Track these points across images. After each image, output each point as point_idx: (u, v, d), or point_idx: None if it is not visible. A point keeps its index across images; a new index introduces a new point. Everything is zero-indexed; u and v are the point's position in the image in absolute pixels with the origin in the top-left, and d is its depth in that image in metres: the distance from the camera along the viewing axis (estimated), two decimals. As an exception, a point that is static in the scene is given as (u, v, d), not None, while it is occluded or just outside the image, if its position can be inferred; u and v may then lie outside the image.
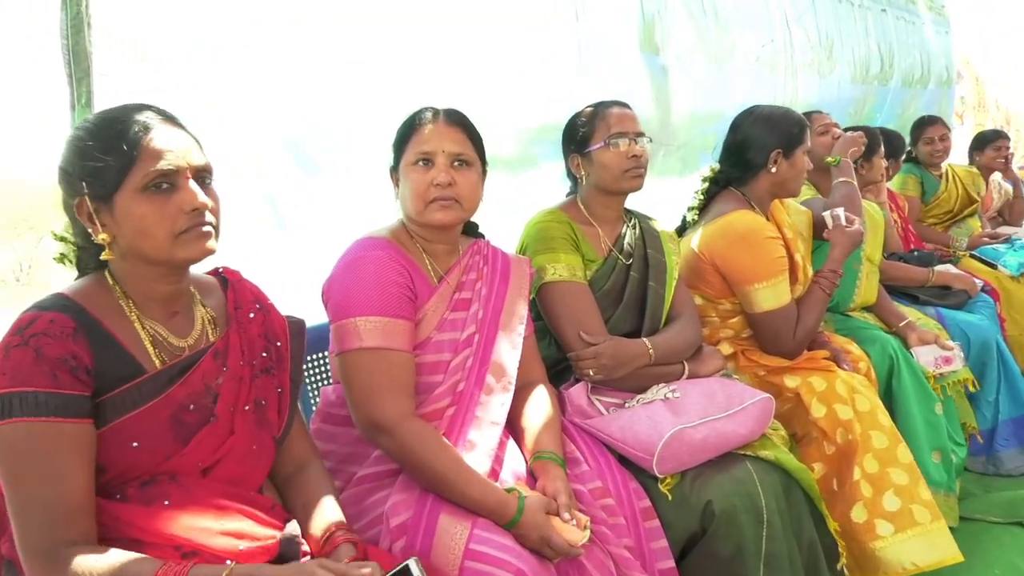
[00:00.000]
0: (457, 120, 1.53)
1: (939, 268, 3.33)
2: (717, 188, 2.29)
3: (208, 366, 1.18)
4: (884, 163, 3.22)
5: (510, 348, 1.56)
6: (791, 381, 2.07)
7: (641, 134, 1.87)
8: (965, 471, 2.81)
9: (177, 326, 1.20)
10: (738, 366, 2.15)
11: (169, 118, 1.13)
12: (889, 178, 3.70)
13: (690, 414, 1.64)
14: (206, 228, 1.11)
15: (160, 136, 1.09)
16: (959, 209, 4.03)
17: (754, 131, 2.23)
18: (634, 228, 1.99)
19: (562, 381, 1.85)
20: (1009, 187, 4.70)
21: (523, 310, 1.62)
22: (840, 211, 2.32)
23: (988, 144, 4.38)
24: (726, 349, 2.17)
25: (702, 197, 2.31)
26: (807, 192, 2.70)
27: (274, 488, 1.31)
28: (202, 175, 1.13)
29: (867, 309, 2.76)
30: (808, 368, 2.10)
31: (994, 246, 3.84)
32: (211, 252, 1.13)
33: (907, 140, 4.03)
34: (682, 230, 2.33)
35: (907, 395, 2.40)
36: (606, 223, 1.94)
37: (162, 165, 1.07)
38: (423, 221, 1.51)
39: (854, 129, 3.05)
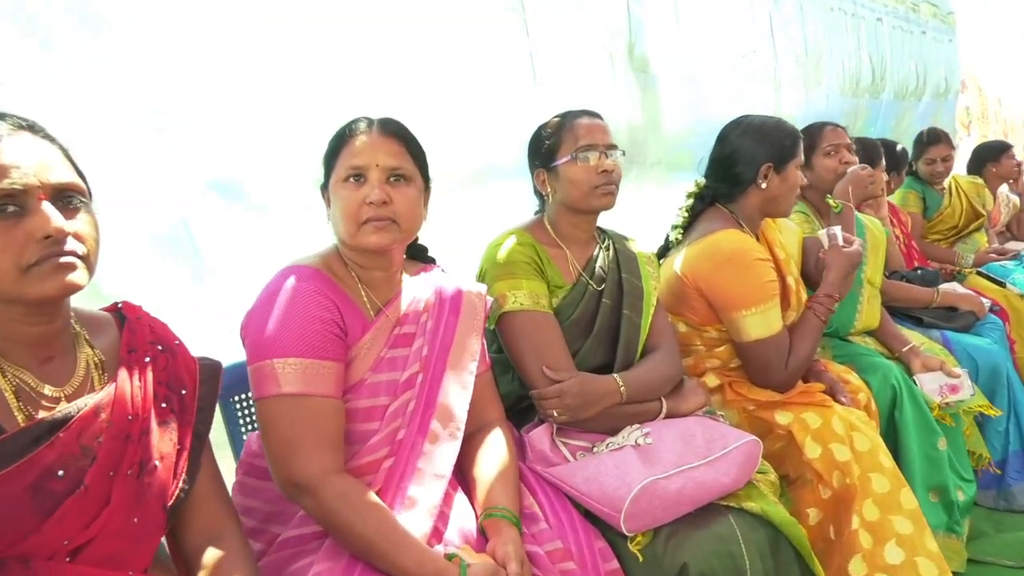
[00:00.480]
0: (393, 130, 1.36)
1: (944, 287, 3.15)
2: (703, 205, 2.12)
3: (87, 422, 0.99)
4: (885, 176, 3.05)
5: (460, 389, 1.38)
6: (783, 417, 1.88)
7: (613, 147, 1.71)
8: (975, 506, 2.63)
9: (51, 373, 1.02)
10: (725, 400, 1.96)
11: (27, 127, 0.97)
12: (891, 192, 3.52)
13: (664, 462, 1.45)
14: (65, 259, 0.93)
15: (7, 149, 0.92)
16: (964, 224, 3.84)
17: (743, 143, 2.05)
18: (608, 250, 1.82)
19: (525, 421, 1.67)
20: (1016, 199, 4.53)
21: (476, 345, 1.44)
22: (837, 230, 2.14)
23: (1002, 154, 4.21)
24: (712, 381, 1.99)
25: (687, 215, 2.13)
26: (800, 215, 2.51)
27: (179, 565, 1.13)
28: (66, 195, 0.96)
29: (870, 334, 2.57)
30: (802, 403, 1.91)
31: (1002, 263, 3.65)
32: (75, 287, 0.96)
33: (909, 152, 3.87)
34: (665, 250, 2.15)
35: (908, 429, 2.22)
36: (576, 244, 1.78)
37: (5, 184, 0.90)
38: (355, 244, 1.34)
39: (859, 142, 2.89)
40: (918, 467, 2.19)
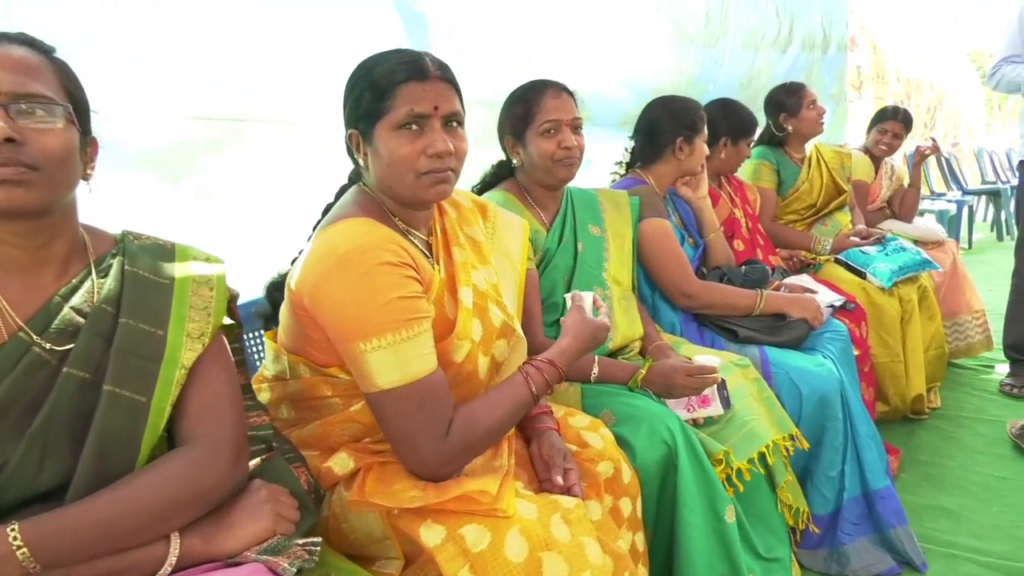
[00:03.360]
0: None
1: (773, 291, 2.54)
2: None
3: None
4: (706, 148, 2.38)
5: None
6: (430, 534, 1.19)
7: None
8: (804, 570, 2.05)
9: None
10: (362, 494, 1.26)
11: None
12: (733, 165, 2.87)
13: None
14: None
15: None
16: (824, 202, 3.23)
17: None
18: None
19: None
20: (905, 171, 3.97)
21: None
22: (587, 296, 1.57)
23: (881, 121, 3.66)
24: (344, 464, 1.29)
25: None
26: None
27: None
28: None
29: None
30: (464, 511, 1.22)
31: (863, 248, 3.06)
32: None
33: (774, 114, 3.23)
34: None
35: (686, 499, 1.60)
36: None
37: None
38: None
39: (679, 102, 2.32)
40: (698, 551, 1.59)
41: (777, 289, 2.60)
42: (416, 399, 1.22)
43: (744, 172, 3.23)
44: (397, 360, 1.20)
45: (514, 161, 1.93)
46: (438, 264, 1.38)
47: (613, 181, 2.42)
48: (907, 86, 7.16)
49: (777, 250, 3.05)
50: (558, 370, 1.40)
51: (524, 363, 1.41)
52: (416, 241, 1.38)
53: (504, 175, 1.98)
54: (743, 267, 2.38)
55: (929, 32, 7.36)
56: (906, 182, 3.91)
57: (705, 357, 1.78)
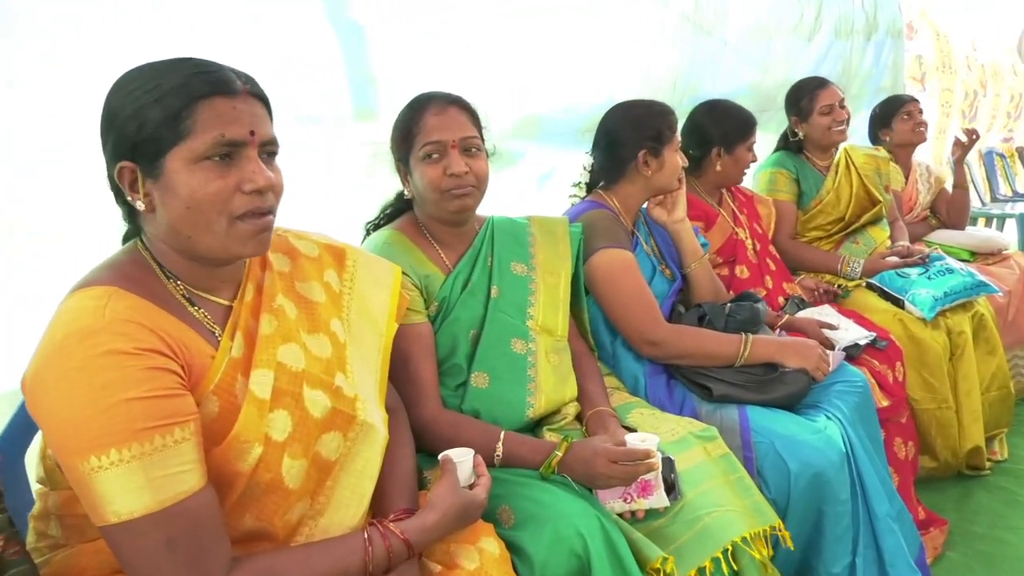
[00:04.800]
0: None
1: (781, 327, 2.10)
2: None
3: None
4: (681, 160, 1.96)
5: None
6: None
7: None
8: None
9: None
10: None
11: None
12: (734, 176, 2.43)
13: None
14: None
15: None
16: (854, 215, 2.73)
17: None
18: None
19: None
20: (944, 171, 3.41)
21: None
22: (465, 458, 1.24)
23: (896, 113, 3.12)
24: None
25: None
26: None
27: None
28: None
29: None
30: None
31: (901, 270, 2.55)
32: None
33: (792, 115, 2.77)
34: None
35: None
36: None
37: None
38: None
39: (640, 107, 1.94)
40: None
41: (783, 325, 2.16)
42: (162, 535, 0.89)
43: (758, 183, 2.78)
44: (131, 482, 0.87)
45: (406, 193, 1.59)
46: (232, 340, 1.05)
47: (573, 205, 2.03)
48: (981, 74, 6.41)
49: (797, 277, 2.58)
50: (410, 551, 1.08)
51: (372, 523, 1.10)
52: (205, 311, 1.04)
53: (405, 208, 1.63)
54: (727, 306, 1.94)
55: (1008, 9, 6.57)
56: (948, 185, 3.33)
57: (638, 436, 1.38)
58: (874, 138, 3.22)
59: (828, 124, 2.63)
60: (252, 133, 0.99)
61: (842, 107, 2.65)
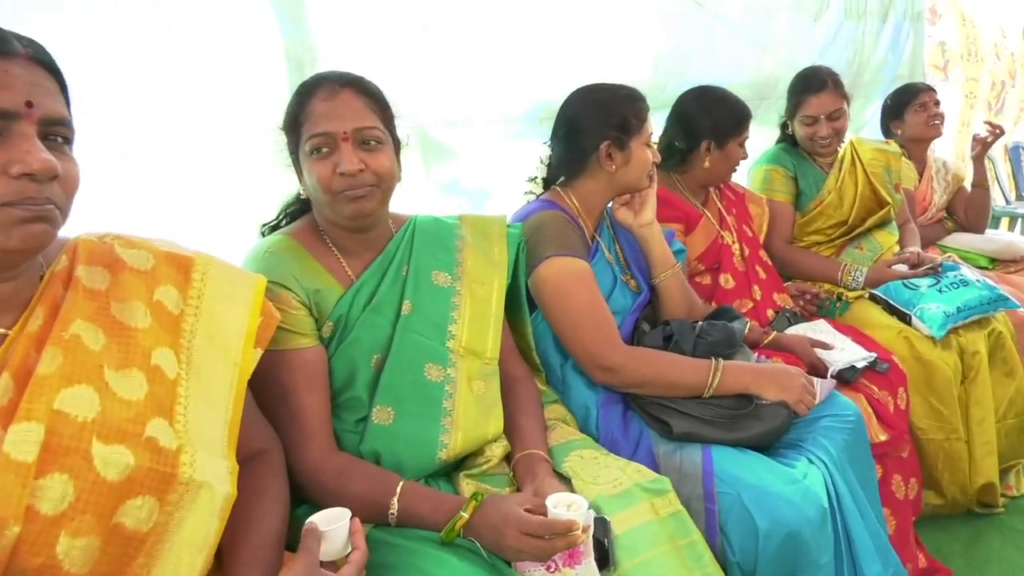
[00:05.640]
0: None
1: (765, 348, 1.84)
2: None
3: None
4: (651, 155, 1.69)
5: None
6: None
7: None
8: None
9: None
10: None
11: None
12: (723, 174, 2.15)
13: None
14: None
15: None
16: (858, 217, 2.44)
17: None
18: None
19: None
20: (963, 168, 3.09)
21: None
22: (340, 523, 1.02)
23: (909, 102, 2.82)
24: None
25: None
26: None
27: None
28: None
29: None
30: None
31: (910, 280, 2.27)
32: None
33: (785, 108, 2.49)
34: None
35: None
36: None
37: None
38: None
39: (605, 91, 1.66)
40: None
41: (770, 343, 1.89)
42: None
43: (751, 181, 2.50)
44: None
45: (300, 192, 1.34)
46: None
47: (528, 203, 1.77)
48: (1011, 63, 6.02)
49: (789, 285, 2.30)
50: None
51: None
52: None
53: (306, 209, 1.37)
54: (700, 323, 1.67)
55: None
56: (967, 183, 3.02)
57: (564, 499, 1.12)
58: (886, 131, 2.92)
59: (810, 134, 2.37)
60: (29, 104, 0.79)
61: (831, 118, 2.36)
